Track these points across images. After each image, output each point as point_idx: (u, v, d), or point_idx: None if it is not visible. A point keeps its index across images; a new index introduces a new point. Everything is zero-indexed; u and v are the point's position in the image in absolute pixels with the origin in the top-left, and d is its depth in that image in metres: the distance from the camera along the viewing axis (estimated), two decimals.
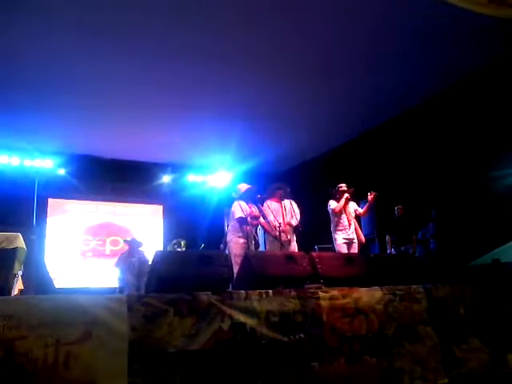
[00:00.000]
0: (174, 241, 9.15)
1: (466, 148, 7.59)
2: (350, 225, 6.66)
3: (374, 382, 3.36)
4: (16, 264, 3.58)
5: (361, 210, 6.90)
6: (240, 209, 6.22)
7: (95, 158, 10.19)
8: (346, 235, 6.61)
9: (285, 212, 6.37)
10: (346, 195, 6.69)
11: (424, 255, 7.87)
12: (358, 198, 7.16)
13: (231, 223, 6.38)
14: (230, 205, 6.54)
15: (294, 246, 6.28)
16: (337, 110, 8.49)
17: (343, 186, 6.83)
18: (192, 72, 7.10)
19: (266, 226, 6.24)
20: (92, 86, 7.32)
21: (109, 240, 10.89)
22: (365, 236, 6.94)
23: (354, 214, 6.80)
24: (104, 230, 10.93)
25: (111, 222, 11.06)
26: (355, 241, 6.63)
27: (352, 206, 6.85)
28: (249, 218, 6.10)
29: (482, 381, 3.75)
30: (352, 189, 6.82)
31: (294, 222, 6.33)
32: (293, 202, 6.47)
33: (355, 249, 6.58)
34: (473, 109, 7.51)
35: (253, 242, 6.28)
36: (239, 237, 6.14)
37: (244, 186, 6.52)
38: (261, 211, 6.18)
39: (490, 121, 7.25)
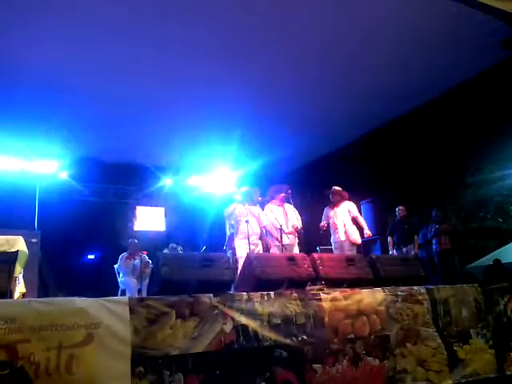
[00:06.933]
0: (171, 245, 9.14)
1: (467, 149, 7.59)
2: (336, 228, 6.70)
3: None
4: (17, 267, 3.59)
5: (356, 214, 6.89)
6: (235, 210, 6.25)
7: (97, 161, 10.18)
8: (335, 239, 6.73)
9: (287, 215, 6.37)
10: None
11: (426, 257, 7.86)
12: (359, 200, 7.16)
13: (234, 226, 6.38)
14: None
15: (296, 250, 6.27)
16: (339, 111, 8.48)
17: (337, 190, 6.87)
18: (194, 74, 7.09)
19: (269, 228, 6.24)
20: (93, 89, 7.32)
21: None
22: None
23: (346, 216, 6.75)
24: None
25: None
26: (346, 243, 6.62)
27: (344, 208, 6.82)
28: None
29: (487, 382, 3.75)
30: (346, 193, 6.88)
31: (299, 225, 6.33)
32: (293, 205, 6.48)
33: (346, 251, 6.55)
34: (472, 111, 7.50)
35: (259, 244, 6.26)
36: (242, 239, 6.13)
37: (244, 189, 6.55)
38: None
39: (490, 122, 7.24)
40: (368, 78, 7.41)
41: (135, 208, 11.13)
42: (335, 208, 6.83)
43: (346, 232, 6.63)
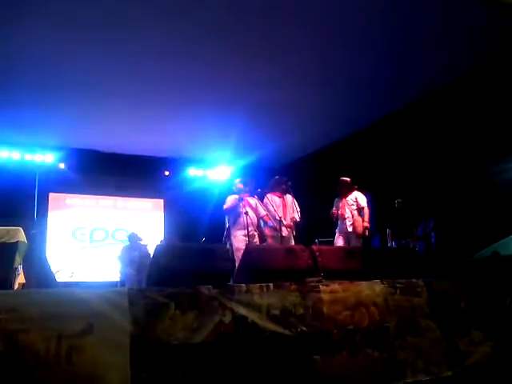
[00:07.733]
0: (168, 237, 9.19)
1: (466, 142, 7.57)
2: (345, 218, 6.66)
3: (376, 375, 3.36)
4: (17, 258, 3.59)
5: (364, 204, 6.84)
6: (230, 201, 6.25)
7: (96, 152, 10.18)
8: (341, 229, 6.69)
9: (286, 207, 6.37)
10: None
11: (425, 249, 7.88)
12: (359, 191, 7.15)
13: (231, 217, 6.39)
14: None
15: (292, 243, 6.25)
16: (337, 104, 8.46)
17: (345, 180, 6.86)
18: (192, 66, 7.08)
19: (267, 218, 6.24)
20: (92, 81, 7.31)
21: (110, 234, 10.90)
22: None
23: (352, 207, 6.74)
24: (105, 224, 10.94)
25: (112, 216, 11.07)
26: (353, 235, 6.59)
27: (352, 198, 6.81)
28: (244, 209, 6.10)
29: (487, 373, 3.76)
30: (353, 184, 6.85)
31: (298, 217, 6.33)
32: (292, 197, 6.48)
33: (352, 242, 6.54)
34: (471, 104, 7.47)
35: (256, 235, 6.27)
36: (240, 230, 6.14)
37: (239, 181, 6.57)
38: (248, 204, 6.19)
39: (489, 116, 7.23)
40: (366, 71, 7.39)
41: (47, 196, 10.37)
42: (343, 198, 6.81)
43: (353, 223, 6.63)
